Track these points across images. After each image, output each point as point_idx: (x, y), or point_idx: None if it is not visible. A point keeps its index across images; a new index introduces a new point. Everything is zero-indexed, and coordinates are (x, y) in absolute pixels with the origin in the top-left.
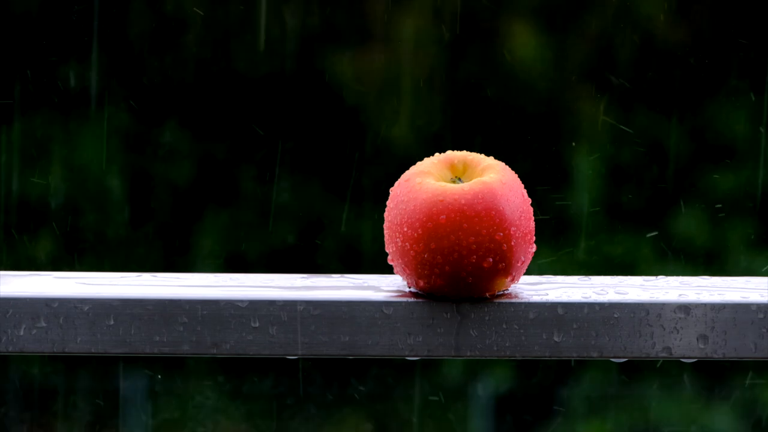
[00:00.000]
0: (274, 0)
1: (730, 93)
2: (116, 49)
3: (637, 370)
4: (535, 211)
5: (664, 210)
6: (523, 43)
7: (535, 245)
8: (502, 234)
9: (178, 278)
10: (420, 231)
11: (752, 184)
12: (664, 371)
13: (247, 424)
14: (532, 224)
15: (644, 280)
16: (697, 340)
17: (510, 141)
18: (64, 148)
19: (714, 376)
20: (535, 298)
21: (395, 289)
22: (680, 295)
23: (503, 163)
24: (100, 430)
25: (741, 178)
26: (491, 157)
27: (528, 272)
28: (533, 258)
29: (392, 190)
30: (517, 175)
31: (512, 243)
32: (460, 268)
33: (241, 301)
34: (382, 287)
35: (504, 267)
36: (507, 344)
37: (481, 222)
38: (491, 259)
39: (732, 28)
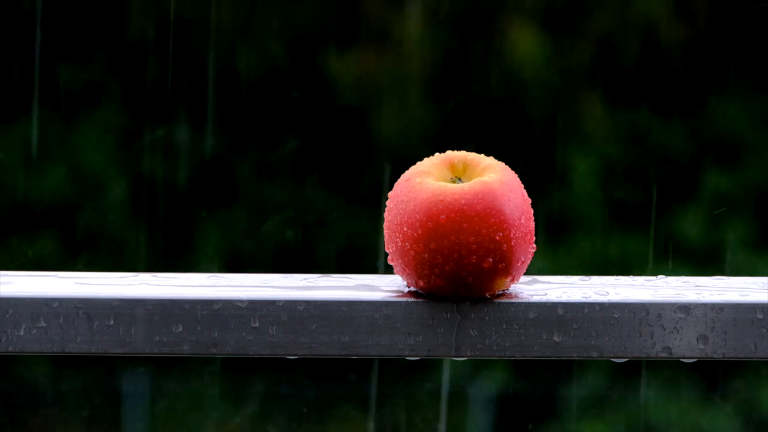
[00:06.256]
0: (273, 0)
1: (730, 92)
2: (116, 49)
3: (637, 370)
4: (534, 211)
5: (664, 210)
6: (523, 43)
7: (535, 245)
8: (502, 234)
9: (177, 278)
10: (420, 231)
11: (752, 184)
12: (664, 371)
13: (247, 424)
14: (532, 224)
15: (644, 280)
16: (697, 340)
17: (510, 141)
18: (64, 148)
19: (714, 376)
20: (535, 298)
21: (395, 289)
22: (680, 295)
23: (503, 163)
24: (99, 430)
25: (741, 178)
26: (491, 157)
27: (528, 272)
28: (533, 258)
29: (392, 190)
30: (517, 175)
31: (512, 243)
32: (460, 268)
33: (241, 301)
34: (382, 287)
35: (504, 267)
36: (507, 344)
37: (481, 222)
38: (491, 259)
39: (733, 27)
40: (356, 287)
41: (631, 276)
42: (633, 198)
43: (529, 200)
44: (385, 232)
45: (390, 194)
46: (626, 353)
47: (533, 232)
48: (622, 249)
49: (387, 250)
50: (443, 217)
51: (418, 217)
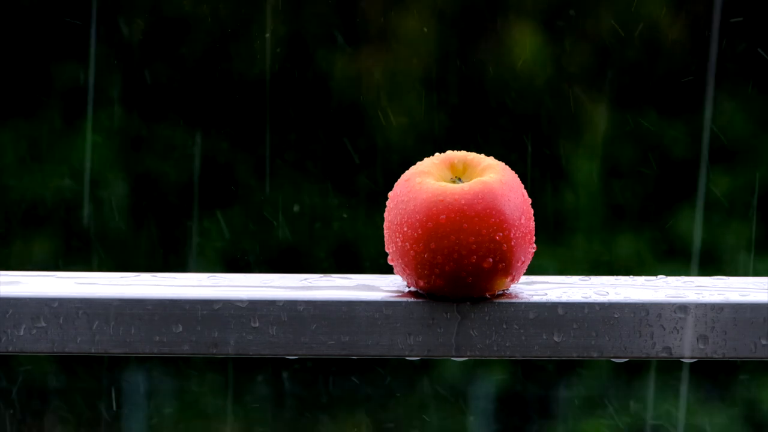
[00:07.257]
0: (273, 0)
1: (730, 93)
2: (116, 49)
3: (637, 370)
4: (534, 211)
5: (664, 210)
6: (523, 43)
7: (535, 245)
8: (502, 234)
9: (177, 278)
10: (420, 231)
11: (752, 184)
12: (664, 371)
13: (247, 423)
14: (532, 224)
15: (644, 280)
16: (697, 340)
17: (510, 141)
18: (64, 148)
19: (714, 376)
20: (535, 298)
21: (395, 289)
22: (680, 295)
23: (503, 163)
24: (99, 430)
25: (741, 179)
26: (491, 157)
27: (528, 272)
28: (533, 258)
29: (392, 190)
30: (517, 175)
31: (512, 243)
32: (460, 268)
33: (241, 301)
34: (382, 287)
35: (504, 267)
36: (507, 344)
37: (481, 222)
38: (491, 259)
39: (732, 27)
40: (356, 287)
41: (631, 276)
42: (633, 198)
43: (529, 200)
44: (385, 232)
45: (390, 194)
46: (626, 353)
47: (533, 232)
48: (622, 249)
49: (387, 250)
50: (443, 217)
51: (418, 217)
